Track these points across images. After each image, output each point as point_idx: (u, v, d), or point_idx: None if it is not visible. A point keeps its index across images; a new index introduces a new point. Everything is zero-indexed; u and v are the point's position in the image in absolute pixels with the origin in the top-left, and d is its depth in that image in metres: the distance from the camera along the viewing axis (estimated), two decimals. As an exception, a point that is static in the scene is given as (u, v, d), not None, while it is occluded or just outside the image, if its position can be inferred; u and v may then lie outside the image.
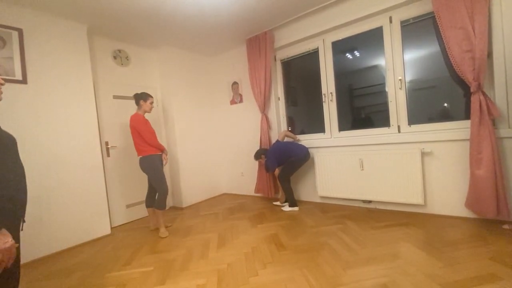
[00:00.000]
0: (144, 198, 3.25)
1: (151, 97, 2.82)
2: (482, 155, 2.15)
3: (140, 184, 3.47)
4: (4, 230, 0.85)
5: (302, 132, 3.64)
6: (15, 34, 2.41)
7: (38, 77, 2.55)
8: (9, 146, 0.98)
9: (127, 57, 3.58)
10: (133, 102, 2.91)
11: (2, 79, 1.06)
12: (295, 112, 3.80)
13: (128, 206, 3.41)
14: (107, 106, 3.25)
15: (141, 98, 2.77)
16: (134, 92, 2.92)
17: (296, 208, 3.18)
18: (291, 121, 3.82)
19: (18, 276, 1.00)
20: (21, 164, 1.02)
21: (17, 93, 2.41)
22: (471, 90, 2.18)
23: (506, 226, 2.12)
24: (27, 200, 1.03)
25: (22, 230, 1.01)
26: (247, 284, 1.72)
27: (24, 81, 2.45)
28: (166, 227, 2.97)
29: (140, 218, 3.51)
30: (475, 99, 2.17)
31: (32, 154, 2.46)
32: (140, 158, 2.77)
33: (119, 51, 3.50)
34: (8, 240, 0.85)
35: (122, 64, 3.52)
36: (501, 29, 2.13)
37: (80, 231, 2.76)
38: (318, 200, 3.39)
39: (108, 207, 3.08)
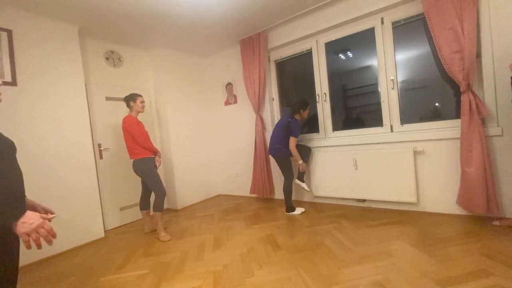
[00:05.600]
0: (138, 201, 3.22)
1: (140, 96, 2.79)
2: (472, 153, 2.20)
3: (134, 187, 3.43)
4: (28, 212, 0.90)
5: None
6: (4, 35, 2.36)
7: (29, 79, 2.51)
8: (8, 152, 0.98)
9: (119, 58, 3.55)
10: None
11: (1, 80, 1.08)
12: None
13: (122, 209, 3.37)
14: (99, 107, 3.21)
15: (130, 99, 2.74)
16: (127, 94, 2.89)
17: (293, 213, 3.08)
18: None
19: (16, 280, 0.99)
20: (19, 167, 1.03)
21: (7, 95, 2.36)
22: (461, 89, 2.23)
23: (496, 223, 2.17)
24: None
25: None
26: (243, 285, 1.72)
27: (13, 82, 2.40)
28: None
29: (134, 221, 3.47)
30: (465, 99, 2.21)
31: (23, 157, 2.40)
32: (133, 161, 2.73)
33: (112, 52, 3.46)
34: (34, 220, 0.89)
35: (114, 65, 3.49)
36: (489, 30, 2.19)
37: (73, 234, 2.71)
38: (313, 200, 3.41)
39: (102, 210, 3.04)
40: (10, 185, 0.93)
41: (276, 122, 3.54)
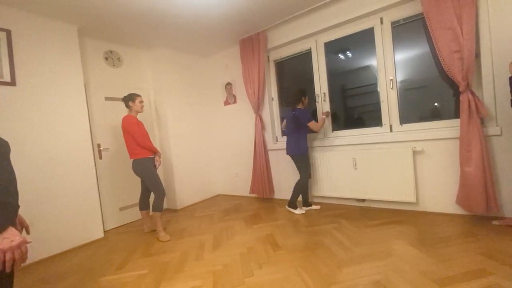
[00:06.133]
0: (137, 201, 3.21)
1: (139, 96, 2.78)
2: (471, 153, 2.20)
3: (133, 187, 3.43)
4: (11, 228, 0.83)
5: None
6: (3, 35, 2.36)
7: (28, 79, 2.50)
8: (4, 152, 0.97)
9: (119, 58, 3.55)
10: (125, 103, 2.88)
11: None
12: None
13: (121, 209, 3.36)
14: (98, 108, 3.21)
15: (129, 99, 2.74)
16: (126, 94, 2.88)
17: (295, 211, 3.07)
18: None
19: (12, 282, 0.98)
20: (13, 169, 1.01)
21: (6, 95, 2.36)
22: (460, 89, 2.23)
23: (495, 222, 2.17)
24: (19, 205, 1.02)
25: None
26: (243, 285, 1.72)
27: (12, 83, 2.40)
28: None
29: (134, 221, 3.47)
30: (464, 98, 2.22)
31: (22, 157, 2.41)
32: (133, 161, 2.73)
33: (111, 52, 3.46)
34: (16, 238, 0.82)
35: (113, 65, 3.48)
36: (488, 30, 2.19)
37: (72, 235, 2.71)
38: (313, 200, 3.40)
39: (101, 210, 3.04)
40: (1, 190, 0.87)
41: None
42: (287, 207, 3.12)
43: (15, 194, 0.97)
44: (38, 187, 2.50)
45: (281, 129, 3.73)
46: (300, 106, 2.99)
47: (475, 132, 2.17)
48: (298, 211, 3.04)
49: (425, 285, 1.49)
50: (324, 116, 3.04)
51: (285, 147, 3.55)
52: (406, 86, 2.76)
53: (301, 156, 3.00)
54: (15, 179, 1.00)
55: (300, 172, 3.05)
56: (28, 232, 1.02)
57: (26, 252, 0.86)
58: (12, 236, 0.81)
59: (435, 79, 2.58)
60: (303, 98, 2.98)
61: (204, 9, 2.85)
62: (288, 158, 3.53)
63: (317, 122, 2.93)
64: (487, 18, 2.19)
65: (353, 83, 3.17)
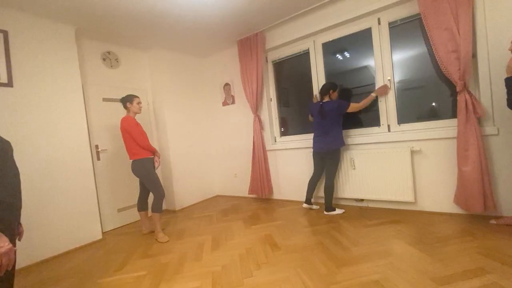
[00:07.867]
0: (136, 202, 3.21)
1: (137, 97, 2.77)
2: (468, 153, 2.22)
3: (132, 188, 3.42)
4: (0, 234, 0.85)
5: (294, 133, 3.66)
6: (0, 36, 2.35)
7: (25, 80, 2.49)
8: (7, 152, 0.96)
9: (116, 59, 3.54)
10: (123, 104, 2.87)
11: None
12: (287, 113, 3.82)
13: (119, 210, 3.35)
14: (96, 109, 3.20)
15: (127, 100, 2.73)
16: (124, 95, 2.87)
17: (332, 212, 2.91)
18: (283, 122, 3.84)
19: (12, 284, 0.97)
20: (17, 169, 1.00)
21: (3, 96, 2.35)
22: (457, 89, 2.25)
23: (493, 221, 2.18)
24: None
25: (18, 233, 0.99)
26: (242, 285, 1.72)
27: (10, 84, 2.38)
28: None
29: (132, 222, 3.45)
30: (461, 98, 2.23)
31: (20, 159, 2.37)
32: (132, 161, 2.72)
33: (108, 52, 3.45)
34: (5, 245, 0.84)
35: (111, 66, 3.47)
36: (485, 30, 2.21)
37: (70, 236, 2.70)
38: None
39: (99, 212, 3.02)
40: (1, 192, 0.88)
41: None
42: (325, 213, 2.91)
43: (14, 194, 0.97)
44: (35, 188, 2.48)
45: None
46: (326, 99, 2.90)
47: (473, 132, 2.18)
48: (338, 212, 2.89)
49: (423, 284, 1.50)
50: (374, 95, 2.77)
51: (285, 147, 3.57)
52: (403, 86, 2.78)
53: (338, 150, 2.86)
54: (18, 179, 0.99)
55: (331, 171, 2.88)
56: (19, 239, 1.03)
57: (13, 258, 0.87)
58: (1, 243, 0.84)
59: (433, 79, 2.59)
60: (331, 91, 2.87)
61: (202, 10, 2.84)
62: (287, 157, 3.54)
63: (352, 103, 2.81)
64: (483, 18, 2.20)
65: (351, 83, 3.17)
